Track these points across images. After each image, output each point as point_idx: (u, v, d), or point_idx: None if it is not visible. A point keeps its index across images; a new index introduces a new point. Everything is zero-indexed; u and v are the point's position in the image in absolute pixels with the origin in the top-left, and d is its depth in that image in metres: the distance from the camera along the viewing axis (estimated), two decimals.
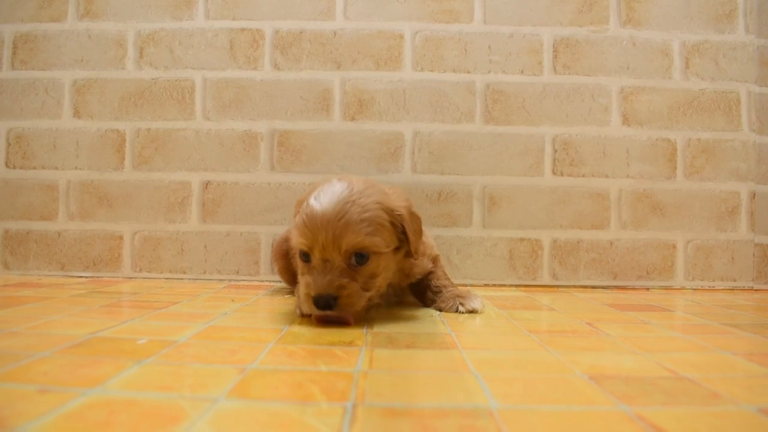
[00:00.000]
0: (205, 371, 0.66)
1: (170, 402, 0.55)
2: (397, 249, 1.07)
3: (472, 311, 1.15)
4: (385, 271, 1.05)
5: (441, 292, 1.22)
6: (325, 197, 0.99)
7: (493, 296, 1.44)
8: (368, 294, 1.01)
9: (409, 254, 1.10)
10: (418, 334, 0.93)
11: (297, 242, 1.00)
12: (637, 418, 0.53)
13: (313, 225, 0.97)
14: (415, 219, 1.09)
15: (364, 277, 1.00)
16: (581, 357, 0.78)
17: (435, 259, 1.28)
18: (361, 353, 0.77)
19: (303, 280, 1.00)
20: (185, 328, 0.91)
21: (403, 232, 1.05)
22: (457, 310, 1.16)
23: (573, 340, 0.90)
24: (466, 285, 1.63)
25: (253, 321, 1.02)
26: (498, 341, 0.89)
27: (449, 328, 0.99)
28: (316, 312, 0.97)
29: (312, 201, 0.99)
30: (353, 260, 0.99)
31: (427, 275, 1.25)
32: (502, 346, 0.85)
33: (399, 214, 1.03)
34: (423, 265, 1.23)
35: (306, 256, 1.01)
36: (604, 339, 0.91)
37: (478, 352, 0.80)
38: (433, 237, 1.35)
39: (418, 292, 1.27)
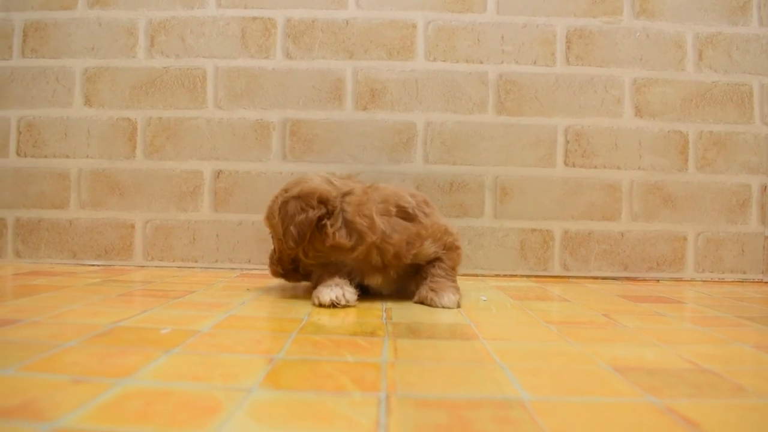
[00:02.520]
0: (233, 361, 0.67)
1: (204, 392, 0.55)
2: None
3: (444, 307, 1.10)
4: None
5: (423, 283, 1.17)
6: None
7: (505, 286, 1.44)
8: None
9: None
10: (437, 324, 0.93)
11: None
12: (667, 411, 0.54)
13: None
14: (279, 211, 1.13)
15: None
16: (602, 348, 0.78)
17: (449, 247, 1.20)
18: (384, 343, 0.78)
19: None
20: (206, 318, 0.92)
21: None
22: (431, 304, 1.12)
23: (591, 332, 0.90)
24: (477, 275, 1.64)
25: (272, 310, 1.02)
26: (517, 332, 0.90)
27: (467, 318, 0.99)
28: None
29: None
30: None
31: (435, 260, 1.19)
32: (522, 337, 0.86)
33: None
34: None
35: None
36: (622, 330, 0.92)
37: (499, 342, 0.81)
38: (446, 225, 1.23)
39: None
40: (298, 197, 1.10)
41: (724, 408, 0.56)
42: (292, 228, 1.08)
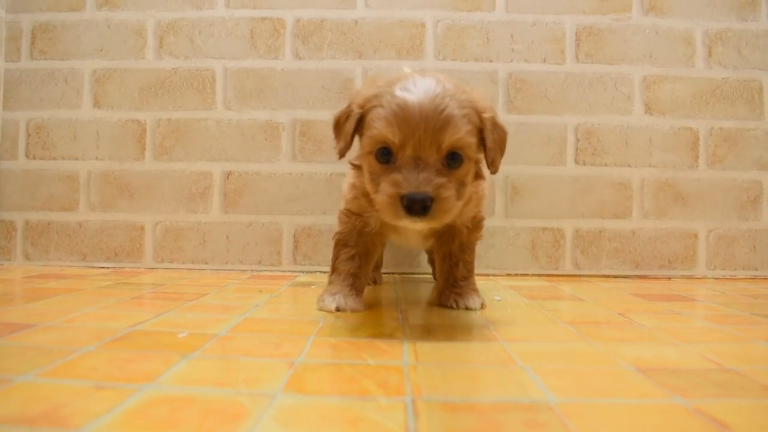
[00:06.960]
0: (254, 365, 0.66)
1: (229, 398, 0.55)
2: None
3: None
4: (468, 183, 0.92)
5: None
6: (417, 89, 0.84)
7: (517, 286, 1.44)
8: (459, 204, 0.89)
9: (478, 176, 0.97)
10: (454, 326, 0.93)
11: (383, 136, 0.85)
12: (696, 412, 0.53)
13: (408, 116, 0.83)
14: (499, 130, 0.95)
15: (456, 183, 0.86)
16: (623, 348, 0.78)
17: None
18: (404, 346, 0.77)
19: (388, 180, 0.85)
20: (222, 321, 0.91)
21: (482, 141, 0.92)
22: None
23: (610, 331, 0.89)
24: (488, 275, 1.63)
25: (288, 312, 1.02)
26: (536, 332, 0.89)
27: (484, 319, 0.98)
28: (404, 218, 0.84)
29: (400, 92, 0.85)
30: (446, 161, 0.85)
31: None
32: (541, 338, 0.85)
33: (485, 117, 0.90)
34: (468, 212, 1.05)
35: (386, 155, 0.86)
36: (641, 330, 0.91)
37: (519, 343, 0.80)
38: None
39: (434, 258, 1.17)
40: None
41: (752, 409, 0.56)
42: None
